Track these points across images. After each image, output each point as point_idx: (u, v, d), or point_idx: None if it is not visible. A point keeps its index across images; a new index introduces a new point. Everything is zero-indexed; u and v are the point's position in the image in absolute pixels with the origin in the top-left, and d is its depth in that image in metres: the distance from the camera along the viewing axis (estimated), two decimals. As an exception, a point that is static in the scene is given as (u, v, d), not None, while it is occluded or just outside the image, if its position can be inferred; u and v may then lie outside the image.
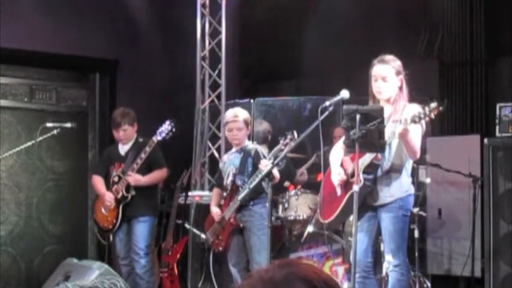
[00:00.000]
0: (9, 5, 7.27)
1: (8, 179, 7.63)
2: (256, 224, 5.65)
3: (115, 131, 6.36)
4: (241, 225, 5.78)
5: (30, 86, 7.86)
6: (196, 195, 7.44)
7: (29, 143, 6.35)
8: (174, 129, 6.15)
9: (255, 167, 5.59)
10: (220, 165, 6.15)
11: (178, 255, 7.13)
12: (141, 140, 6.34)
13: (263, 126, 6.72)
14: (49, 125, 6.38)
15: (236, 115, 5.83)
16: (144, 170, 6.27)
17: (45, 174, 7.87)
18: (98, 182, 6.48)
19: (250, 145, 5.95)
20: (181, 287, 7.07)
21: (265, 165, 5.38)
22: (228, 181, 5.90)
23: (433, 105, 4.42)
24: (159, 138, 6.14)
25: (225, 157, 6.13)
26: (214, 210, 5.93)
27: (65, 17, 7.67)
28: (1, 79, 7.64)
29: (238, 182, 5.76)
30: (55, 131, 6.34)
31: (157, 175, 6.36)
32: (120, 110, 6.40)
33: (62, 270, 6.30)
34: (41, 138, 6.32)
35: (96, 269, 5.81)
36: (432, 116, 4.44)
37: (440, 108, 4.41)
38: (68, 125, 6.41)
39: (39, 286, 6.73)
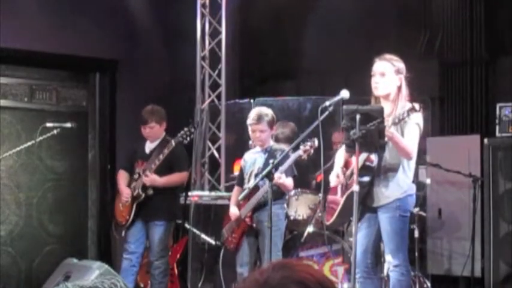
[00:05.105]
0: (9, 4, 7.26)
1: (8, 179, 7.62)
2: (272, 225, 5.53)
3: (142, 127, 6.41)
4: (254, 225, 5.76)
5: (30, 86, 7.85)
6: (196, 195, 7.44)
7: (29, 143, 6.35)
8: (192, 135, 6.19)
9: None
10: (242, 163, 6.04)
11: (178, 255, 7.13)
12: (168, 139, 6.33)
13: (289, 127, 6.63)
14: (49, 125, 6.38)
15: (259, 117, 5.75)
16: (165, 171, 6.28)
17: (45, 174, 7.87)
18: (121, 177, 6.54)
19: (276, 145, 5.90)
20: (181, 287, 7.06)
21: (278, 177, 5.34)
22: (250, 182, 5.76)
23: (409, 106, 4.51)
24: (178, 140, 6.15)
25: (247, 155, 6.00)
26: (232, 210, 5.89)
27: (65, 17, 7.66)
28: (1, 79, 7.63)
29: (260, 182, 5.59)
30: (55, 131, 6.34)
31: (176, 178, 6.36)
32: (149, 108, 6.44)
33: (62, 270, 6.31)
34: (41, 138, 6.31)
35: (96, 269, 5.82)
36: (410, 117, 4.51)
37: (417, 108, 4.46)
38: (68, 125, 6.41)
39: (39, 286, 6.73)
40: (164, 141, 6.37)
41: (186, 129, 6.17)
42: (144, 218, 6.37)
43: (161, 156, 6.20)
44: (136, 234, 6.39)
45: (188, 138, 6.19)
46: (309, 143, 5.32)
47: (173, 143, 6.16)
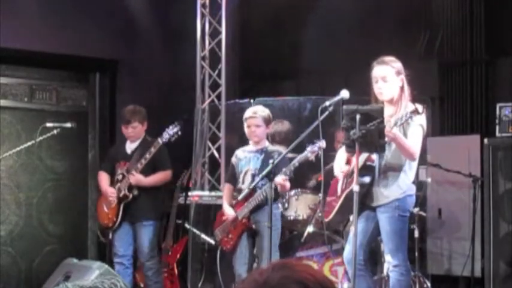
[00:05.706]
0: (9, 4, 7.27)
1: (8, 179, 7.62)
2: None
3: (124, 127, 6.38)
4: (253, 226, 5.75)
5: (30, 86, 7.85)
6: (196, 195, 7.43)
7: (29, 143, 6.35)
8: (179, 132, 6.13)
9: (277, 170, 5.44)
10: (233, 160, 5.97)
11: (178, 255, 7.13)
12: (149, 139, 6.32)
13: (285, 126, 6.60)
14: (49, 125, 6.38)
15: (255, 112, 5.76)
16: (149, 170, 6.26)
17: (45, 174, 7.87)
18: (103, 178, 6.49)
19: (271, 147, 5.88)
20: (181, 287, 7.06)
21: (283, 179, 5.35)
22: (246, 183, 5.72)
23: (412, 107, 4.53)
24: (165, 139, 6.12)
25: (240, 153, 5.94)
26: (229, 211, 5.82)
27: (64, 17, 7.66)
28: (1, 79, 7.64)
29: (259, 183, 5.57)
30: (55, 131, 6.34)
31: (161, 177, 6.34)
32: (131, 107, 6.41)
33: (62, 270, 6.30)
34: (41, 138, 6.31)
35: (96, 269, 5.82)
36: (413, 119, 4.53)
37: (420, 111, 4.48)
38: (68, 125, 6.41)
39: (39, 286, 6.73)
40: (145, 141, 6.35)
41: (170, 127, 6.13)
42: (130, 220, 6.33)
43: (148, 155, 6.15)
44: (123, 236, 6.36)
45: (175, 136, 6.15)
46: (317, 145, 5.29)
47: (160, 141, 6.13)
